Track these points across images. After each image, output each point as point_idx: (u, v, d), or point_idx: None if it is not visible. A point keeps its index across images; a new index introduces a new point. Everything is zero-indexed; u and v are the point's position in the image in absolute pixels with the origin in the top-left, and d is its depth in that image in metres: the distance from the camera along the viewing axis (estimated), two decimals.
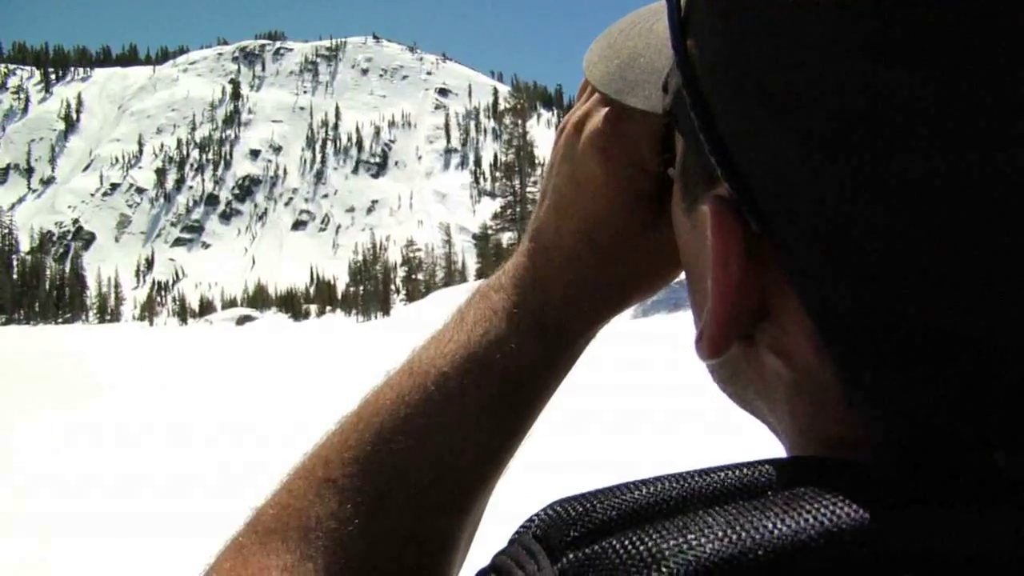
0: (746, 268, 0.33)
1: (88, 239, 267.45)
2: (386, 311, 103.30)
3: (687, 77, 0.35)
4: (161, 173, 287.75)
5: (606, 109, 0.54)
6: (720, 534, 0.26)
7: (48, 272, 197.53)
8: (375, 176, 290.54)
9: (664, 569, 0.26)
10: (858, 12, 0.26)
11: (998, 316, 0.27)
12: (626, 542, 0.27)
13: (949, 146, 0.26)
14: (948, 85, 0.25)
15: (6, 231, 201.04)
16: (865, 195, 0.27)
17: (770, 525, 0.26)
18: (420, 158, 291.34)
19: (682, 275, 0.48)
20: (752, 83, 0.30)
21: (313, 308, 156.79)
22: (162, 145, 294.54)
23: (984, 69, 0.25)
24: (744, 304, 0.34)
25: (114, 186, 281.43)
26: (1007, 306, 0.27)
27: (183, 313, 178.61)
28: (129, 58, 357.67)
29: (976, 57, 0.25)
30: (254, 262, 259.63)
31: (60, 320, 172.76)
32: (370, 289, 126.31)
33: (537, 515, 0.31)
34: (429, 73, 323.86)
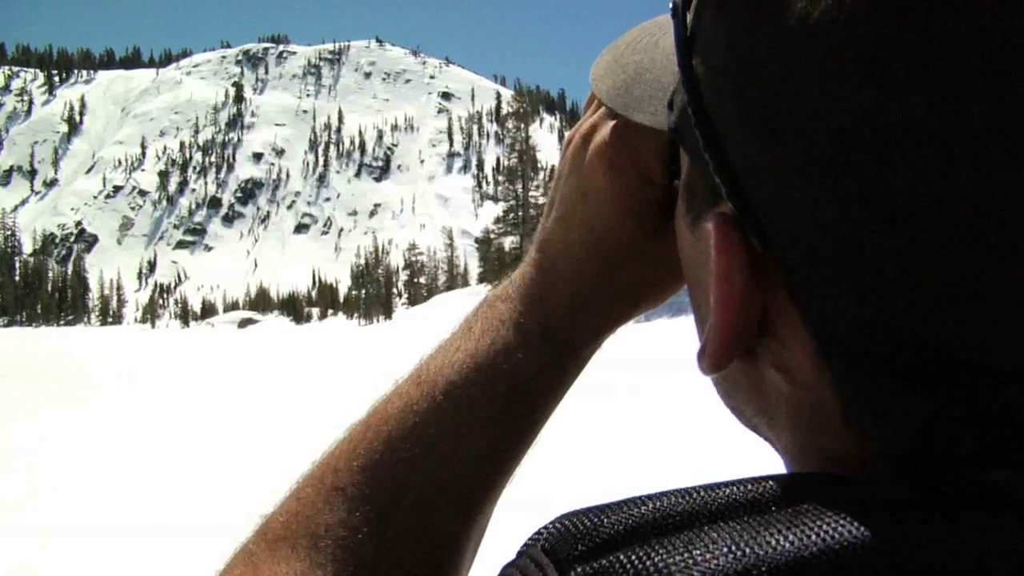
0: (748, 285, 0.34)
1: (90, 241, 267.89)
2: (388, 314, 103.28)
3: (692, 96, 0.35)
4: (164, 176, 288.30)
5: (613, 122, 0.54)
6: (725, 550, 0.27)
7: (50, 274, 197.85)
8: (378, 179, 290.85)
9: None
10: (860, 38, 0.27)
11: (995, 336, 0.27)
12: (633, 557, 0.28)
13: (949, 170, 0.26)
14: (950, 111, 0.26)
15: (9, 233, 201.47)
16: (866, 216, 0.28)
17: (774, 541, 0.27)
18: (423, 162, 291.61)
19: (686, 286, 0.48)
20: (756, 104, 0.31)
21: (315, 311, 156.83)
22: (165, 148, 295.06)
23: (985, 95, 0.25)
24: (746, 320, 0.35)
25: (117, 188, 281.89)
26: (1004, 327, 0.27)
27: (185, 316, 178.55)
28: (132, 60, 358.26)
29: (978, 83, 0.25)
30: (256, 265, 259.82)
31: (62, 322, 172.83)
32: (372, 292, 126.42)
33: (545, 528, 0.32)
34: (432, 77, 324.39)
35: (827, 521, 0.27)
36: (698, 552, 0.27)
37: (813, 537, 0.27)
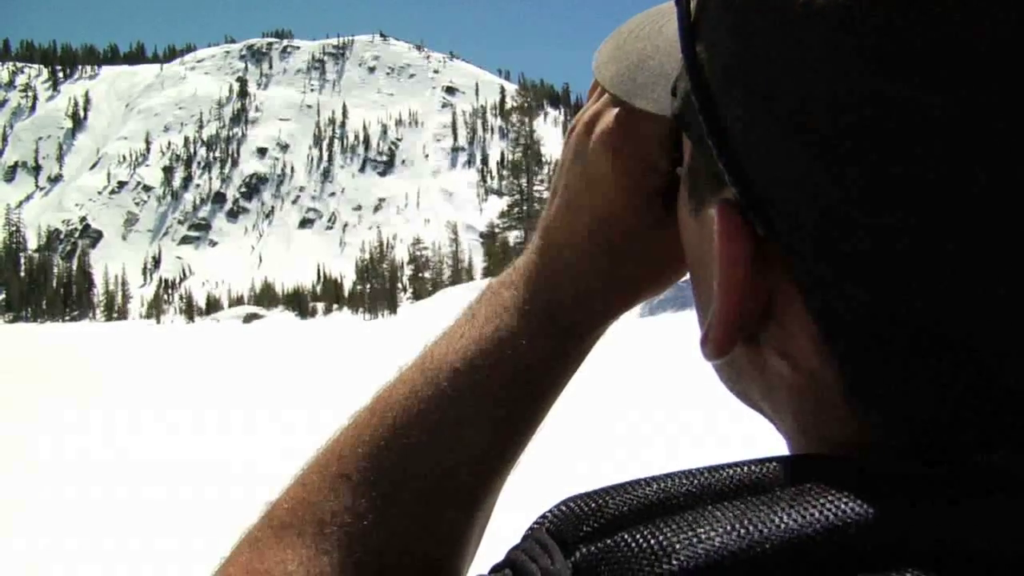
0: (752, 270, 0.34)
1: (95, 237, 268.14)
2: (393, 309, 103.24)
3: (696, 82, 0.35)
4: (168, 171, 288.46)
5: (616, 109, 0.54)
6: (729, 528, 0.27)
7: (55, 270, 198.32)
8: (382, 174, 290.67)
9: (675, 562, 0.26)
10: (863, 25, 0.27)
11: (997, 321, 0.28)
12: (638, 536, 0.28)
13: (952, 156, 0.26)
14: (951, 96, 0.26)
15: (14, 229, 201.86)
16: (869, 203, 0.28)
17: (777, 519, 0.27)
18: (427, 156, 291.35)
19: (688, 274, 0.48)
20: (760, 90, 0.31)
21: (320, 306, 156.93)
22: (169, 143, 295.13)
23: (987, 80, 0.25)
24: (749, 306, 0.35)
25: (121, 184, 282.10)
26: (1006, 312, 0.27)
27: (190, 311, 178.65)
28: (136, 56, 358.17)
29: (979, 69, 0.25)
30: (261, 260, 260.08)
31: (67, 318, 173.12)
32: (377, 287, 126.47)
33: (550, 511, 0.32)
34: (436, 71, 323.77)
35: (830, 500, 0.27)
36: (702, 530, 0.27)
37: (816, 515, 0.27)
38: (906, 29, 0.26)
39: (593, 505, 0.31)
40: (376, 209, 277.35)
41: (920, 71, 0.26)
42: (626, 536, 0.28)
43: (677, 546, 0.27)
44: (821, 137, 0.29)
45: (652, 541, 0.27)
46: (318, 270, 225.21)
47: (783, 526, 0.27)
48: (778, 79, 0.30)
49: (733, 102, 0.33)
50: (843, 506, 0.27)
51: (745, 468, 0.31)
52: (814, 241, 0.30)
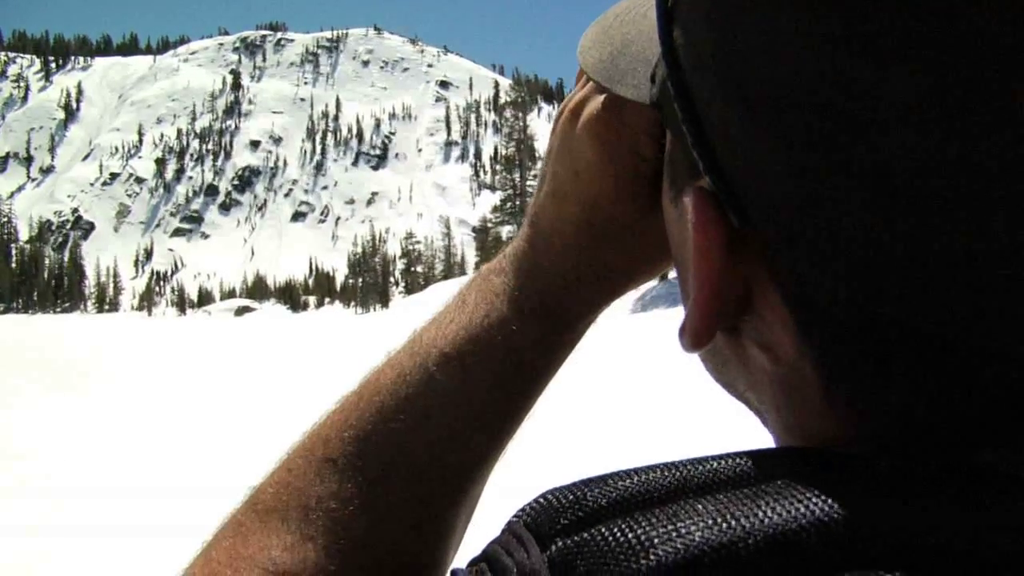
0: (727, 261, 0.33)
1: (87, 229, 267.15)
2: (385, 303, 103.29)
3: (671, 68, 0.34)
4: (161, 163, 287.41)
5: (603, 95, 0.53)
6: (710, 522, 0.26)
7: (47, 261, 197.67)
8: (375, 168, 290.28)
9: (653, 556, 0.26)
10: (830, 6, 0.26)
11: (976, 315, 0.27)
12: (615, 530, 0.27)
13: (925, 142, 0.25)
14: (922, 79, 0.25)
15: (5, 220, 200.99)
16: (843, 192, 0.27)
17: (761, 513, 0.26)
18: (420, 151, 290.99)
19: None
20: (734, 76, 0.30)
21: (312, 300, 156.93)
22: (162, 135, 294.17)
23: (958, 62, 0.24)
24: (726, 297, 0.34)
25: (114, 176, 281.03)
26: (986, 305, 0.26)
27: (182, 303, 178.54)
28: (130, 47, 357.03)
29: (950, 51, 0.24)
30: (253, 253, 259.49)
31: (59, 310, 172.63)
32: (369, 281, 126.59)
33: (528, 504, 0.31)
34: (430, 65, 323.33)
35: (816, 495, 0.27)
36: (682, 524, 0.27)
37: (801, 509, 0.26)
38: (878, 10, 0.25)
39: (571, 497, 0.30)
40: (369, 203, 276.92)
41: (892, 54, 0.25)
42: (603, 529, 0.28)
43: (656, 540, 0.26)
44: (792, 124, 0.28)
45: (630, 535, 0.27)
46: (310, 263, 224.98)
47: (767, 520, 0.26)
48: (750, 65, 0.29)
49: (708, 88, 0.32)
50: (830, 501, 0.26)
51: (729, 461, 0.30)
52: (788, 231, 0.30)
